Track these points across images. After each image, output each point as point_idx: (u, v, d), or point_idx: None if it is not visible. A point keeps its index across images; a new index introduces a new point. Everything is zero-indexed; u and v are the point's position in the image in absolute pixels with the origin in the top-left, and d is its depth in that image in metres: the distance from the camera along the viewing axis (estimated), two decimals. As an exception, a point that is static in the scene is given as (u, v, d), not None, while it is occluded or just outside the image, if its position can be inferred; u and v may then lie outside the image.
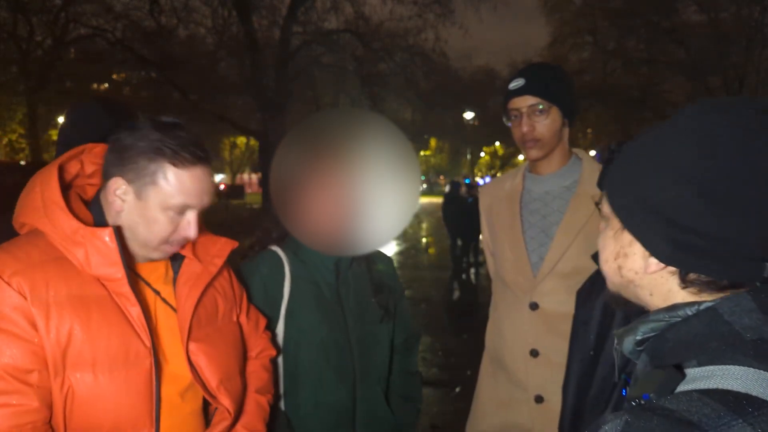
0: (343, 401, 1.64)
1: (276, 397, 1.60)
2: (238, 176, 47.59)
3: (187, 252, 1.36)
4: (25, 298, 1.11)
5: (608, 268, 0.85)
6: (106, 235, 1.17)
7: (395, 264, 1.93)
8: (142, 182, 1.21)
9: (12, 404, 1.08)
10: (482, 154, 46.93)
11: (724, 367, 0.68)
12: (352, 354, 1.65)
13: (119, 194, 1.23)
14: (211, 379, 1.31)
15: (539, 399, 1.77)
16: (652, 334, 0.79)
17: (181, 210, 1.25)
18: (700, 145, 0.72)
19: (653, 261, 0.77)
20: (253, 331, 1.54)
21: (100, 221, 1.25)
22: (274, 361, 1.59)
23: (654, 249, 0.76)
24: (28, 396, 1.09)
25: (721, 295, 0.74)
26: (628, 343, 0.82)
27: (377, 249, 1.68)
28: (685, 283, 0.75)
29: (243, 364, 1.46)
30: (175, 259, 1.36)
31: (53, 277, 1.15)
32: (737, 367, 0.67)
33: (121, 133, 1.24)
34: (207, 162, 1.27)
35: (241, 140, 38.33)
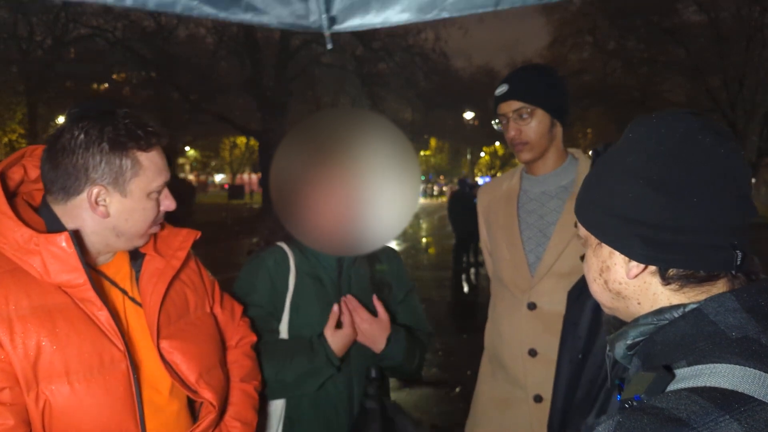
0: (341, 396, 1.65)
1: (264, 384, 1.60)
2: (238, 176, 47.59)
3: (147, 249, 1.33)
4: None
5: (596, 287, 0.88)
6: (63, 241, 1.11)
7: (401, 261, 1.92)
8: (123, 180, 1.19)
9: None
10: (482, 154, 46.92)
11: (711, 365, 0.70)
12: (350, 349, 1.66)
13: (101, 202, 1.19)
14: (189, 374, 1.28)
15: (538, 398, 1.78)
16: (642, 338, 0.81)
17: (161, 189, 1.26)
18: (649, 147, 0.78)
19: (633, 264, 0.80)
20: (229, 320, 1.52)
21: (53, 227, 1.19)
22: (256, 348, 1.59)
23: (630, 251, 0.80)
24: (2, 415, 1.05)
25: (702, 289, 0.78)
26: (620, 348, 0.84)
27: (380, 247, 1.69)
28: (665, 280, 0.78)
29: (222, 354, 1.44)
30: (135, 258, 1.33)
31: (12, 290, 1.10)
32: (724, 365, 0.69)
33: (60, 143, 1.16)
34: (162, 137, 1.25)
35: (241, 140, 38.32)
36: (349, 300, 1.63)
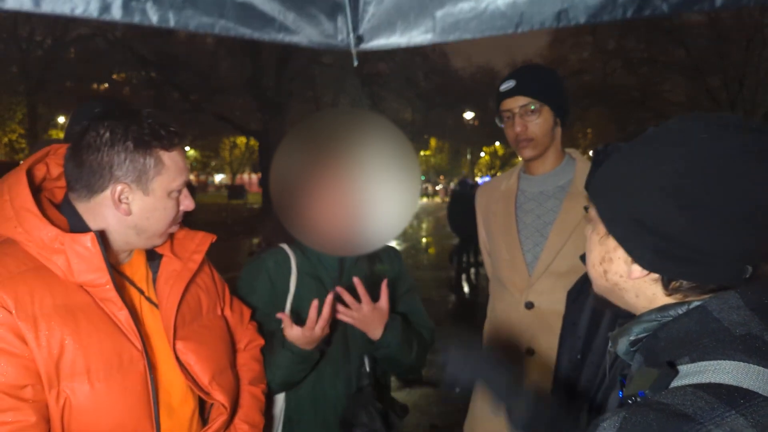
0: (340, 396, 1.65)
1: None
2: (238, 176, 47.58)
3: (164, 250, 1.34)
4: (11, 313, 1.06)
5: (594, 271, 0.88)
6: (88, 241, 1.12)
7: (401, 260, 1.92)
8: (146, 178, 1.20)
9: (8, 422, 1.04)
10: (482, 154, 46.90)
11: (715, 362, 0.70)
12: (350, 350, 1.67)
13: (124, 200, 1.20)
14: (203, 375, 1.29)
15: (538, 398, 1.78)
16: (645, 334, 0.81)
17: (182, 188, 1.27)
18: (684, 160, 0.75)
19: (636, 267, 0.80)
20: (238, 323, 1.53)
21: (75, 225, 1.20)
22: (263, 351, 1.59)
23: (637, 256, 0.79)
24: (24, 412, 1.06)
25: (706, 296, 0.77)
26: (623, 345, 0.85)
27: (380, 247, 1.68)
28: (668, 290, 0.78)
29: (233, 357, 1.46)
30: (152, 259, 1.34)
31: (37, 288, 1.10)
32: (728, 362, 0.70)
33: (86, 140, 1.18)
34: (184, 139, 1.28)
35: (241, 140, 38.32)
36: (329, 300, 1.54)
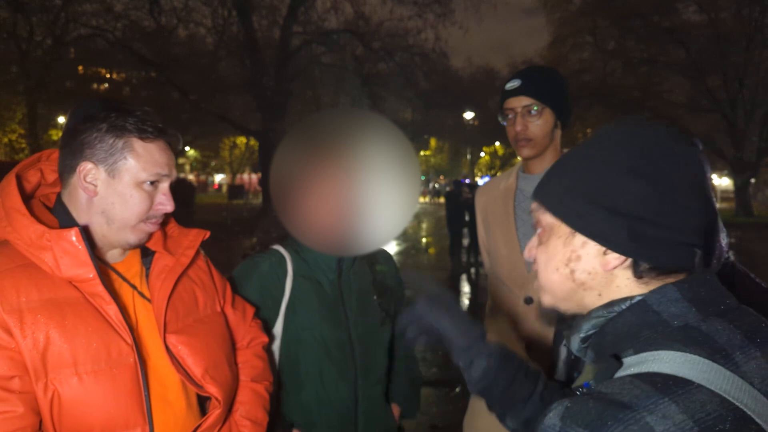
0: (344, 399, 1.65)
1: (275, 386, 1.61)
2: (238, 176, 47.60)
3: (157, 247, 1.35)
4: None
5: (558, 276, 0.87)
6: (73, 236, 1.15)
7: (395, 264, 1.93)
8: (113, 159, 1.22)
9: None
10: (482, 154, 46.90)
11: (655, 352, 0.74)
12: (353, 352, 1.66)
13: (90, 180, 1.22)
14: (195, 369, 1.30)
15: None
16: (594, 330, 0.84)
17: (155, 182, 1.26)
18: (640, 143, 0.81)
19: (612, 257, 0.81)
20: (240, 320, 1.53)
21: (66, 224, 1.23)
22: (268, 349, 1.59)
23: (612, 243, 0.81)
24: (11, 402, 1.08)
25: (665, 281, 0.80)
26: (575, 342, 0.87)
27: (379, 248, 1.68)
28: (639, 273, 0.80)
29: (231, 353, 1.46)
30: (146, 256, 1.36)
31: (23, 284, 1.14)
32: (667, 352, 0.73)
33: (73, 124, 1.23)
34: (167, 135, 1.29)
35: (241, 140, 38.38)
36: None
